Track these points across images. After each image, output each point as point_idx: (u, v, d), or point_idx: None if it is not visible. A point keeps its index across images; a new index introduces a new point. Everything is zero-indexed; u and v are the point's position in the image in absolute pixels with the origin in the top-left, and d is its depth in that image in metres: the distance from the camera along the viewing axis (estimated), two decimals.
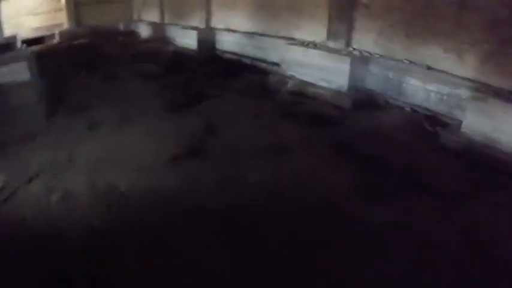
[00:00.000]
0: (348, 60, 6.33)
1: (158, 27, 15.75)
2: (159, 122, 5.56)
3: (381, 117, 5.84)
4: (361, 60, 6.51)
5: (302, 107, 6.14)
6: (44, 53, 15.14)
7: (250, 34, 9.71)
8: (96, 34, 18.96)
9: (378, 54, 6.60)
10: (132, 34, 18.49)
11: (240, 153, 4.53)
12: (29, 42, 19.03)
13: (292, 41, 8.18)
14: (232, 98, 6.62)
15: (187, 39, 11.68)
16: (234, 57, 10.17)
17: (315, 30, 7.80)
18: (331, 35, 7.21)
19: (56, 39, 19.54)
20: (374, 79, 6.54)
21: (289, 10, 8.45)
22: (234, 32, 10.37)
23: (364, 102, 6.35)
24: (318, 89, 6.70)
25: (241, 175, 4.04)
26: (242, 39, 9.96)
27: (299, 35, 8.23)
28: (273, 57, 8.77)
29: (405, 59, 6.24)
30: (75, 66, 10.09)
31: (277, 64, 8.49)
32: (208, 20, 11.74)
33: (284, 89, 7.13)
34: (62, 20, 20.79)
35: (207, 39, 11.13)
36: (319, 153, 4.51)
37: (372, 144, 4.79)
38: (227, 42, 10.67)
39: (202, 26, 11.89)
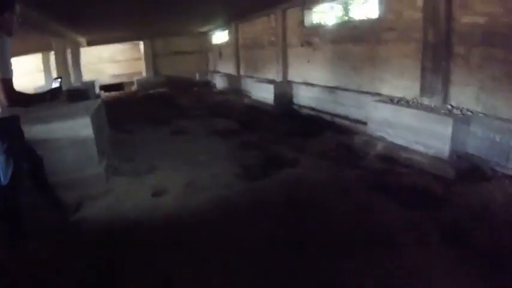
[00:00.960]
0: (449, 121, 5.44)
1: (233, 79, 15.70)
2: (233, 195, 4.89)
3: (491, 191, 4.81)
4: (463, 120, 5.60)
5: (397, 177, 5.29)
6: (121, 100, 15.55)
7: (329, 88, 9.11)
8: (172, 84, 19.45)
9: (481, 113, 5.67)
10: (208, 85, 18.71)
11: (335, 246, 3.67)
12: (109, 88, 19.95)
13: (378, 96, 7.45)
14: (314, 163, 5.90)
15: (263, 93, 11.33)
16: (313, 113, 9.57)
17: (404, 85, 7.04)
18: (425, 90, 6.39)
19: (134, 87, 20.26)
20: (477, 142, 5.57)
21: (372, 62, 7.77)
22: (312, 86, 9.85)
23: (468, 171, 5.38)
24: (412, 155, 5.84)
25: (341, 282, 3.18)
26: (321, 93, 9.38)
27: (386, 90, 7.49)
28: (356, 114, 8.05)
29: None
30: (148, 118, 9.98)
31: (361, 122, 7.76)
32: (284, 73, 11.36)
33: (372, 152, 6.34)
34: (141, 69, 21.65)
35: (283, 93, 10.71)
36: (430, 248, 3.60)
37: (490, 232, 3.82)
38: (305, 97, 10.14)
39: (278, 79, 11.53)
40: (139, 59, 21.74)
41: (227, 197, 4.77)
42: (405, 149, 6.04)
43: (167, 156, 6.65)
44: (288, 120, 9.47)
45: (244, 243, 3.72)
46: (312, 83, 9.99)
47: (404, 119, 6.12)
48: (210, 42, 20.59)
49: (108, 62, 21.78)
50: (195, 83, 19.46)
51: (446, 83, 6.13)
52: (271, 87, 10.82)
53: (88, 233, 4.09)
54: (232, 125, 8.88)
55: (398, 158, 5.97)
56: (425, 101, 6.33)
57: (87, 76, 18.04)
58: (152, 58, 21.05)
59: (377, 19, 7.53)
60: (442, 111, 5.83)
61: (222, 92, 15.65)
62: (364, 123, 7.55)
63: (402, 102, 6.50)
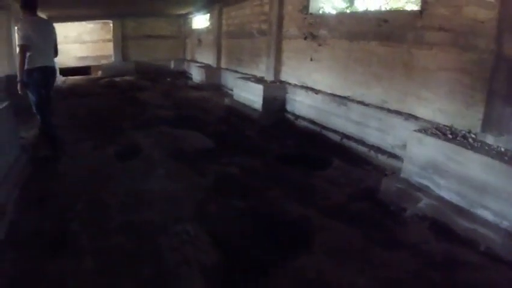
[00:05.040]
0: None
1: (213, 72, 13.40)
2: None
3: None
4: None
5: (466, 274, 3.16)
6: (75, 90, 13.07)
7: (339, 98, 6.92)
8: (142, 71, 17.10)
9: None
10: (183, 76, 16.46)
11: None
12: (73, 72, 17.32)
13: (414, 120, 5.35)
14: (334, 237, 3.66)
15: (248, 94, 9.11)
16: (313, 127, 7.39)
17: (453, 110, 4.95)
18: (490, 123, 4.24)
19: (100, 73, 17.71)
20: None
21: (407, 71, 5.61)
22: (314, 92, 7.63)
23: None
24: (476, 225, 3.72)
25: None
26: (326, 103, 7.20)
27: (423, 112, 5.37)
28: (378, 140, 5.92)
29: None
30: (97, 122, 7.65)
31: (385, 152, 5.66)
32: (277, 70, 9.11)
33: (412, 210, 4.23)
34: (111, 52, 19.01)
35: (274, 96, 8.53)
36: None
37: None
38: (303, 105, 7.95)
39: (268, 77, 9.29)
40: (110, 40, 19.07)
41: None
42: (463, 212, 3.93)
43: (93, 212, 4.14)
44: (281, 135, 7.27)
45: None
46: (313, 88, 7.77)
47: (466, 166, 4.00)
48: (189, 26, 18.16)
49: (74, 42, 18.87)
50: (168, 72, 17.13)
51: None
52: (259, 88, 8.58)
53: None
54: (206, 142, 6.59)
55: (456, 228, 3.86)
56: (489, 139, 4.22)
57: None
58: (122, 41, 18.44)
59: (419, 12, 5.36)
60: None
61: (198, 87, 13.29)
62: (391, 155, 5.48)
63: (460, 139, 4.37)
